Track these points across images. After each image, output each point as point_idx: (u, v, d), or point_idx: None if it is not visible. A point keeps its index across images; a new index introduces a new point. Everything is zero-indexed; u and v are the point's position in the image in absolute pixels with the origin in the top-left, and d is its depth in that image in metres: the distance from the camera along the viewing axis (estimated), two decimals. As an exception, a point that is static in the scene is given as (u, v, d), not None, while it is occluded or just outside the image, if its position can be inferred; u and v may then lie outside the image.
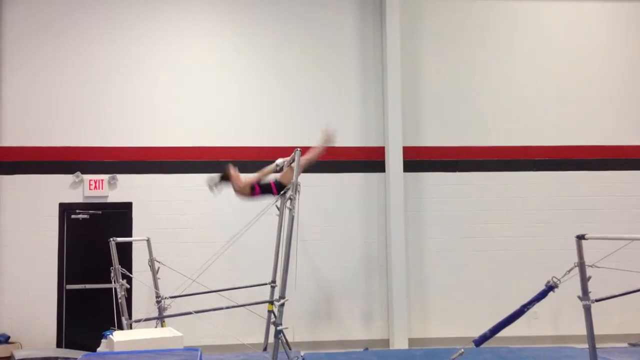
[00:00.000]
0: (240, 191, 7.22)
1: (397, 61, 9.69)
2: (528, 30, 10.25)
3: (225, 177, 7.18)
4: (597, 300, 5.59)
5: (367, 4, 10.02)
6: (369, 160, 9.82)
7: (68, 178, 9.34)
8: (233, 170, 7.15)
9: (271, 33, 9.86)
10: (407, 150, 9.67)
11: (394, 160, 9.56)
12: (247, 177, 7.18)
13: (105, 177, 9.39)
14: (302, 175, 7.00)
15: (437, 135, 9.93)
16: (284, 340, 6.68)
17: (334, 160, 9.69)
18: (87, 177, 9.35)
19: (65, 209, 9.31)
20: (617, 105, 10.22)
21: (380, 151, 9.80)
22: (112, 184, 9.41)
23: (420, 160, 9.83)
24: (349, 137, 9.80)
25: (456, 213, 9.81)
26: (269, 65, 9.81)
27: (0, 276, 9.12)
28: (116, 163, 9.43)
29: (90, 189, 9.34)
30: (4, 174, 9.26)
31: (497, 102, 10.07)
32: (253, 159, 9.51)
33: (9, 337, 8.90)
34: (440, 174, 9.88)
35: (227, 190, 9.34)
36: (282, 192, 7.07)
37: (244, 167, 9.41)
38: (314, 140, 9.37)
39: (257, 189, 7.18)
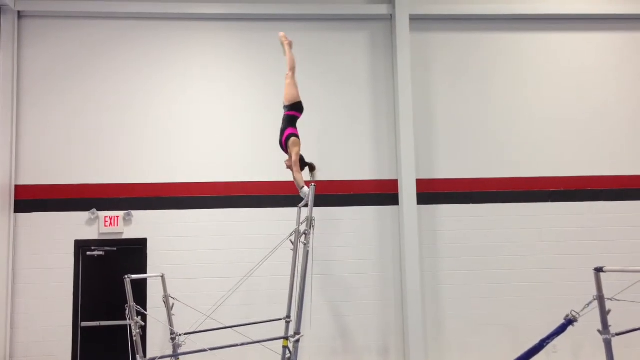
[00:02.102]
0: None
1: (409, 94, 9.75)
2: (538, 61, 10.29)
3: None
4: (617, 334, 5.51)
5: (379, 38, 10.13)
6: (382, 194, 9.81)
7: (83, 215, 9.40)
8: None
9: (283, 67, 9.95)
10: (420, 183, 9.66)
11: (408, 193, 9.55)
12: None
13: (120, 213, 9.44)
14: (316, 209, 7.01)
15: (450, 167, 9.92)
16: (300, 377, 6.61)
17: (348, 194, 9.71)
18: (102, 213, 9.41)
19: (81, 246, 9.36)
20: (632, 135, 10.17)
21: (393, 184, 9.80)
22: (127, 221, 9.46)
23: (433, 192, 9.81)
24: (362, 171, 9.83)
25: (471, 245, 9.74)
26: (280, 100, 9.88)
27: (15, 313, 9.13)
28: (131, 200, 9.49)
29: (105, 226, 9.39)
30: (20, 212, 9.34)
31: (510, 133, 10.06)
32: (267, 193, 9.59)
33: (24, 376, 8.89)
34: (454, 206, 9.83)
35: (244, 224, 9.48)
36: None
37: (259, 202, 9.53)
38: (327, 174, 9.47)
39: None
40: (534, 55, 10.31)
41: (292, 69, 7.86)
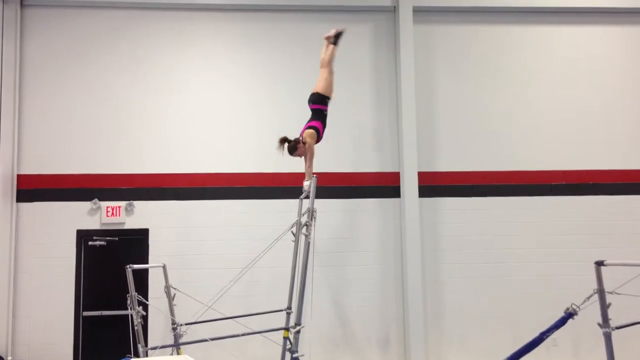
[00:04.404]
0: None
1: (412, 86, 9.73)
2: (543, 54, 10.26)
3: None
4: (617, 328, 5.51)
5: (382, 30, 10.10)
6: (384, 186, 9.81)
7: (85, 205, 9.42)
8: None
9: (285, 58, 9.95)
10: (422, 176, 9.66)
11: (409, 185, 9.55)
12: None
13: (122, 203, 9.45)
14: (317, 201, 7.01)
15: (452, 160, 9.91)
16: (300, 368, 6.64)
17: (349, 186, 9.72)
18: (104, 204, 9.42)
19: (83, 236, 9.38)
20: (634, 129, 10.15)
21: (395, 177, 9.79)
22: (129, 211, 9.47)
23: (435, 185, 9.80)
24: (364, 163, 9.83)
25: (473, 238, 9.74)
26: (283, 90, 9.88)
27: (17, 303, 9.15)
28: (133, 190, 9.50)
29: (107, 216, 9.41)
30: (23, 201, 9.35)
31: (512, 126, 10.05)
32: (268, 184, 9.60)
33: (25, 364, 8.94)
34: (456, 199, 9.83)
35: (246, 215, 9.48)
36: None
37: (260, 193, 9.54)
38: (329, 165, 9.46)
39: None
40: (537, 48, 10.28)
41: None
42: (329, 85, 7.61)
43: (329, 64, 7.68)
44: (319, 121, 7.44)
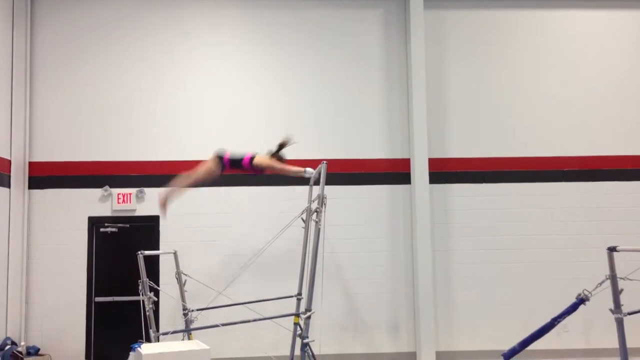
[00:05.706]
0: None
1: (422, 72, 9.67)
2: (554, 39, 10.16)
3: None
4: (629, 313, 5.50)
5: (392, 15, 10.03)
6: (394, 172, 9.79)
7: (97, 192, 9.47)
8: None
9: (295, 45, 9.91)
10: (432, 162, 9.62)
11: (420, 171, 9.52)
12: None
13: (133, 190, 9.50)
14: (327, 187, 7.00)
15: (463, 146, 9.86)
16: (311, 353, 6.66)
17: (360, 173, 9.70)
18: (115, 190, 9.47)
19: (94, 223, 9.44)
20: (647, 115, 10.07)
21: (405, 163, 9.77)
22: (139, 198, 9.51)
23: (446, 171, 9.77)
24: (374, 149, 9.80)
25: (483, 225, 9.71)
26: (293, 78, 9.86)
27: (30, 289, 9.25)
28: (144, 177, 9.53)
29: (118, 203, 9.45)
30: (34, 188, 9.42)
31: (524, 112, 9.98)
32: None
33: (39, 350, 9.01)
34: (467, 185, 9.79)
35: (256, 201, 9.49)
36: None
37: (270, 180, 9.52)
38: (339, 152, 9.46)
39: (226, 160, 7.07)
40: (549, 33, 10.18)
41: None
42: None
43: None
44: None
